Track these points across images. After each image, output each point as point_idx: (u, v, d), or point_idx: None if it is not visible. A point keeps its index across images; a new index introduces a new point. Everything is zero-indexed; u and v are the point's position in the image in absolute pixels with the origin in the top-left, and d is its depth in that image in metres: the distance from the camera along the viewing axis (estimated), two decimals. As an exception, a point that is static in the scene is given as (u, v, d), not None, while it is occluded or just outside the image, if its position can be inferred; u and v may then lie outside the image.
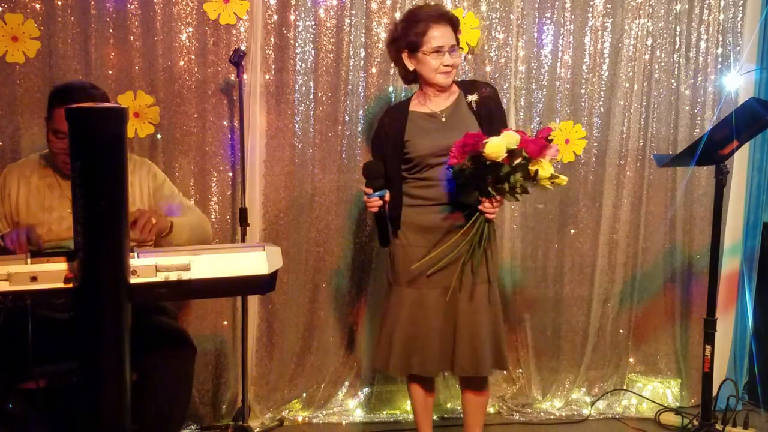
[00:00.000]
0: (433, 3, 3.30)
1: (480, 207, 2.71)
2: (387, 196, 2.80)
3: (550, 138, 2.60)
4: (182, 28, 3.26)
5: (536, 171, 2.57)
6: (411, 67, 2.86)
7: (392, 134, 2.86)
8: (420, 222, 2.84)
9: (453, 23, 2.83)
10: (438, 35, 2.77)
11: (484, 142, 2.53)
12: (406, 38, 2.81)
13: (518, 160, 2.56)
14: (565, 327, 3.79)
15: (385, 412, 3.61)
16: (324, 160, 3.48)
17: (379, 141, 2.93)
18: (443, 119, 2.86)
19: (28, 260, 1.85)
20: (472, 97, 2.87)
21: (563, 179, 2.65)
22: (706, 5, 3.70)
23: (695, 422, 3.37)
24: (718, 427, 3.33)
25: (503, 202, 2.84)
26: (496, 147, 2.51)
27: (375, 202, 2.76)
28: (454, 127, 2.80)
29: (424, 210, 2.83)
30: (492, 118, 2.85)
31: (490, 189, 2.64)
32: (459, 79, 3.08)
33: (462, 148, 2.57)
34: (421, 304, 2.83)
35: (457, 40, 2.86)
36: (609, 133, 3.70)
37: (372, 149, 3.05)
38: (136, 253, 1.90)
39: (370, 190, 2.77)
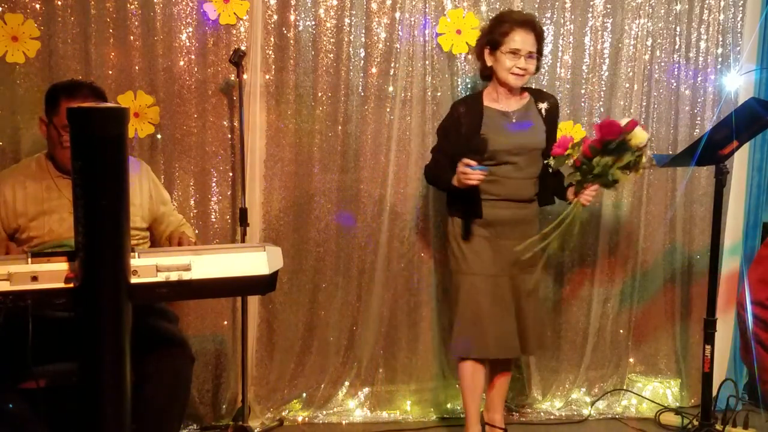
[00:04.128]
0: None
1: (583, 195, 2.89)
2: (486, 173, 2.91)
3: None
4: (182, 28, 3.26)
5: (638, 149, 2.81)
6: (489, 63, 3.06)
7: (468, 126, 3.01)
8: (485, 215, 3.03)
9: (537, 32, 3.04)
10: (519, 39, 2.98)
11: (629, 130, 2.75)
12: (490, 35, 3.04)
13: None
14: (565, 327, 3.79)
15: (385, 412, 3.60)
16: (324, 160, 3.48)
17: (453, 130, 3.06)
18: (514, 119, 3.04)
19: (29, 260, 1.84)
20: (543, 105, 3.13)
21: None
22: (706, 5, 3.70)
23: (695, 422, 3.37)
24: (718, 427, 3.33)
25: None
26: (641, 135, 2.77)
27: (477, 176, 2.84)
28: (524, 128, 3.06)
29: (489, 204, 3.02)
30: (553, 127, 3.15)
31: (610, 174, 2.82)
32: (526, 85, 3.20)
33: (602, 133, 2.76)
34: (497, 292, 3.04)
35: (540, 49, 3.06)
36: (609, 133, 3.69)
37: (440, 136, 3.14)
38: (136, 253, 1.89)
39: (474, 162, 2.84)
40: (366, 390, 3.62)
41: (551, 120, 3.15)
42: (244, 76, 3.25)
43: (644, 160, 2.87)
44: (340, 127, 3.47)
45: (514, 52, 2.98)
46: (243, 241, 3.23)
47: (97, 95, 2.65)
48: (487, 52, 3.05)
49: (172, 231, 2.87)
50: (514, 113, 3.08)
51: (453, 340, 3.14)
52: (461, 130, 3.03)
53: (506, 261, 3.05)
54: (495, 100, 3.10)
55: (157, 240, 2.91)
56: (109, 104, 1.74)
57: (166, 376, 2.56)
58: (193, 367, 2.69)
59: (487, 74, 3.13)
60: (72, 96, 2.56)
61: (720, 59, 3.75)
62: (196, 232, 3.19)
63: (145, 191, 2.85)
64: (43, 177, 2.70)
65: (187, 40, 3.28)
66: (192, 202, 3.36)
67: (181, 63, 3.28)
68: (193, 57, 3.29)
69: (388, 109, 3.50)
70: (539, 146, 3.06)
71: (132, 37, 3.21)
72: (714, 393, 3.49)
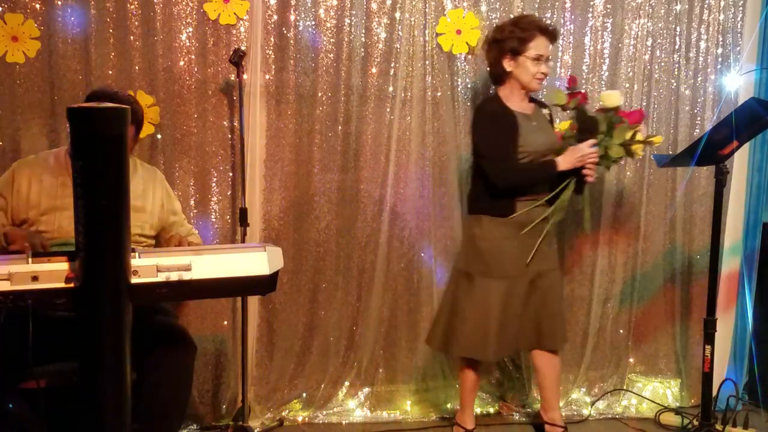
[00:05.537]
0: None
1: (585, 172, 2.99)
2: None
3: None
4: (182, 28, 3.26)
5: (633, 134, 2.99)
6: (509, 69, 3.05)
7: (509, 129, 3.01)
8: (518, 213, 3.03)
9: (553, 38, 3.11)
10: (541, 45, 3.02)
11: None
12: (511, 41, 3.02)
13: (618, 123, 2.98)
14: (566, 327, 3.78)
15: (385, 412, 3.60)
16: (324, 160, 3.48)
17: (503, 123, 3.02)
18: (534, 123, 3.08)
19: (29, 260, 1.84)
20: (547, 111, 3.21)
21: (658, 138, 3.15)
22: (706, 5, 3.70)
23: (695, 422, 3.37)
24: (718, 427, 3.33)
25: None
26: (612, 95, 2.99)
27: (597, 154, 2.99)
28: (543, 131, 3.10)
29: (522, 204, 3.03)
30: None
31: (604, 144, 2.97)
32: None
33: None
34: (511, 293, 3.05)
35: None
36: (609, 133, 3.69)
37: (493, 134, 3.02)
38: (137, 253, 1.89)
39: (596, 141, 2.98)
40: (366, 390, 3.62)
41: (552, 124, 3.24)
42: (244, 76, 3.25)
43: (637, 148, 3.02)
44: (340, 127, 3.47)
45: (538, 58, 3.01)
46: (243, 241, 3.23)
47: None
48: (507, 57, 3.03)
49: (175, 235, 2.87)
50: (533, 117, 3.11)
51: (456, 339, 3.12)
52: (505, 133, 3.00)
53: (533, 260, 3.06)
54: (513, 104, 3.10)
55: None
56: (109, 104, 1.74)
57: (167, 374, 2.57)
58: (194, 357, 2.70)
59: (502, 79, 3.10)
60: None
61: (720, 59, 3.75)
62: (196, 232, 3.18)
63: (157, 199, 2.86)
64: (60, 173, 2.72)
65: (187, 40, 3.28)
66: (192, 202, 3.36)
67: (181, 63, 3.28)
68: (193, 57, 3.29)
69: (388, 109, 3.50)
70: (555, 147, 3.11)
71: (132, 37, 3.21)
72: (714, 393, 3.48)
